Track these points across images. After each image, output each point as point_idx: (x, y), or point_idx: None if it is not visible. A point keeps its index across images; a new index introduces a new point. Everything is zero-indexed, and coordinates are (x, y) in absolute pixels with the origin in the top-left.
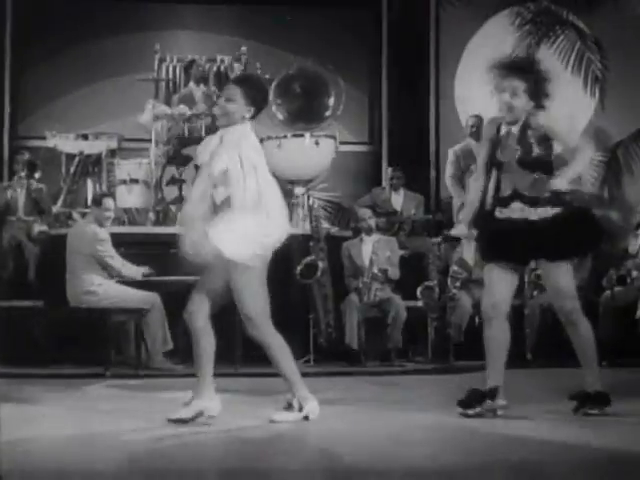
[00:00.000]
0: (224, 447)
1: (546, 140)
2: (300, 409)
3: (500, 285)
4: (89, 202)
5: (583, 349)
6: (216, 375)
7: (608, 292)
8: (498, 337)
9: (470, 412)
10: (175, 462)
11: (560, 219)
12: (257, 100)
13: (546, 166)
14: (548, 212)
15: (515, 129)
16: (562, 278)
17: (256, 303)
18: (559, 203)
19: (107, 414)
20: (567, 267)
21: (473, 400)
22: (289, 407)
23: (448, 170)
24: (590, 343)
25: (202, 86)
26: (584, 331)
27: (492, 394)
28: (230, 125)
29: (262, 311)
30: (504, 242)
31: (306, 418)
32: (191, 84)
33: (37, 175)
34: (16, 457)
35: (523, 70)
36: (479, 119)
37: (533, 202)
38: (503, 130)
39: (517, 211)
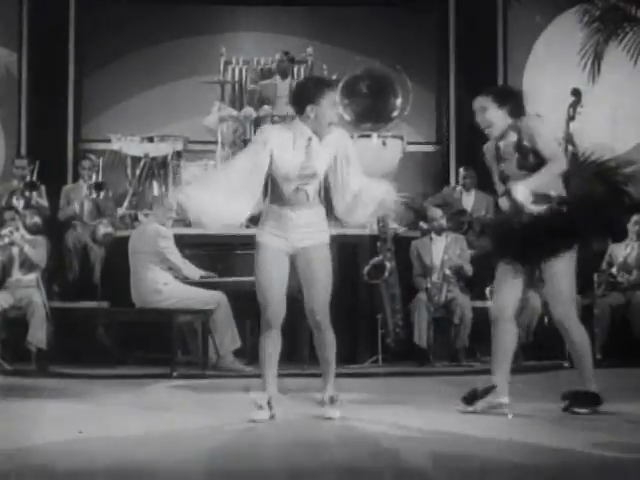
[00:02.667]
0: (291, 447)
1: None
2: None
3: (506, 287)
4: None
5: (577, 355)
6: (284, 375)
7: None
8: (503, 338)
9: (469, 408)
10: (244, 462)
11: (544, 219)
12: None
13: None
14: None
15: (512, 140)
16: (557, 281)
17: None
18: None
19: (173, 414)
20: (564, 270)
21: (474, 397)
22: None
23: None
24: (584, 350)
25: (289, 79)
26: (578, 338)
27: (486, 392)
28: None
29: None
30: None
31: (272, 417)
32: (277, 76)
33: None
34: (83, 456)
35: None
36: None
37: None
38: (502, 145)
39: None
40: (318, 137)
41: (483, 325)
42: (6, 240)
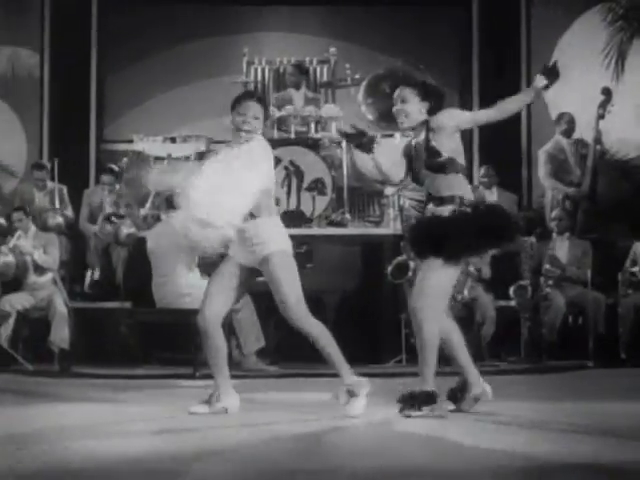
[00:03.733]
0: (340, 447)
1: (447, 142)
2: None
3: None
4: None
5: (422, 352)
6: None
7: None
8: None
9: (413, 414)
10: (278, 462)
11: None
12: None
13: (448, 166)
14: (444, 211)
15: (422, 138)
16: (430, 273)
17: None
18: (453, 203)
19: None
20: (441, 265)
21: (454, 396)
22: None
23: (542, 171)
24: (430, 347)
25: (302, 89)
26: (426, 334)
27: (463, 389)
28: None
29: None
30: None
31: (225, 410)
32: (291, 89)
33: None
34: (106, 456)
35: (412, 79)
36: (569, 116)
37: (438, 202)
38: (414, 143)
39: (429, 212)
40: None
41: (507, 324)
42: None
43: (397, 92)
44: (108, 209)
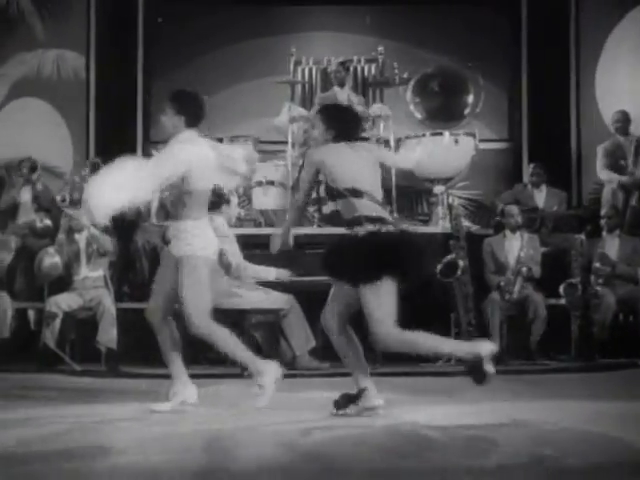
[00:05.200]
0: (368, 446)
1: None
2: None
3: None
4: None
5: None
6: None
7: None
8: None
9: (340, 412)
10: (321, 462)
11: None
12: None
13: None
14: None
15: None
16: (370, 302)
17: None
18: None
19: (246, 412)
20: (374, 291)
21: (347, 402)
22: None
23: (599, 165)
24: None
25: (347, 88)
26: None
27: (358, 396)
28: None
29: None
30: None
31: (183, 403)
32: (335, 87)
33: None
34: (155, 456)
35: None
36: (623, 114)
37: (348, 223)
38: None
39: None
40: None
41: (557, 323)
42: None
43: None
44: (155, 211)
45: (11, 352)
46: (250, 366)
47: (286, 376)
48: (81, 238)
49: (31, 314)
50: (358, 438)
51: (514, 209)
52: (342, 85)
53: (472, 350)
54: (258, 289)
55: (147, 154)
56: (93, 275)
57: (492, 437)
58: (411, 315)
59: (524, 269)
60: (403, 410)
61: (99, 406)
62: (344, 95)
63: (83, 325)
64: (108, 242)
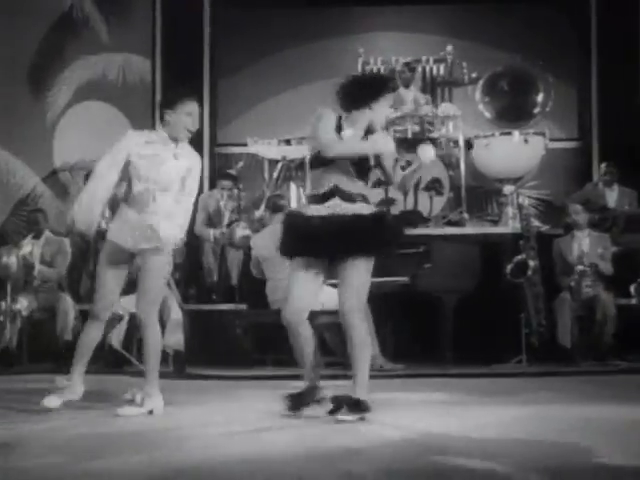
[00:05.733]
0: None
1: None
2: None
3: (304, 289)
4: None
5: (355, 357)
6: (427, 376)
7: None
8: (307, 341)
9: (294, 412)
10: (407, 462)
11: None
12: None
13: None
14: (358, 209)
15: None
16: (356, 276)
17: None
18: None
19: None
20: (366, 267)
21: (298, 403)
22: (132, 402)
23: None
24: (364, 349)
25: (412, 89)
26: (357, 337)
27: (311, 396)
28: None
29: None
30: (314, 237)
31: (150, 412)
32: (401, 88)
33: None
34: (225, 457)
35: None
36: None
37: (349, 199)
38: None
39: (333, 207)
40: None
41: (628, 323)
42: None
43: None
44: (228, 215)
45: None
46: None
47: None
48: None
49: None
50: (422, 440)
51: (578, 208)
52: (407, 86)
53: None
54: (327, 289)
55: (214, 156)
56: None
57: (558, 439)
58: (481, 316)
59: (590, 268)
60: (470, 411)
61: (166, 408)
62: (410, 95)
63: None
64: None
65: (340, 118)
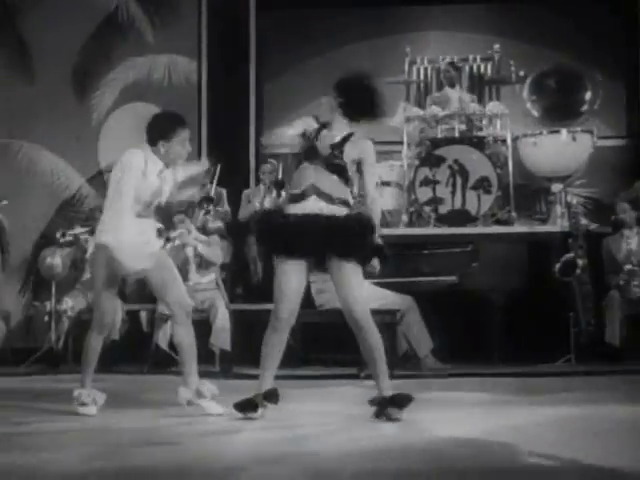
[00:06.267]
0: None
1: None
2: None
3: (293, 290)
4: None
5: (373, 358)
6: (474, 375)
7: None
8: (281, 344)
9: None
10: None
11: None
12: None
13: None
14: (342, 211)
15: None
16: (353, 278)
17: None
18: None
19: (363, 413)
20: (354, 268)
21: (255, 405)
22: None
23: None
24: (379, 352)
25: (458, 88)
26: (373, 340)
27: (270, 397)
28: None
29: None
30: (297, 237)
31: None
32: (447, 87)
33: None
34: (274, 454)
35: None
36: None
37: (330, 199)
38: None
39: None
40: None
41: None
42: (177, 242)
43: None
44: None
45: (122, 354)
46: None
47: (409, 377)
48: (189, 248)
49: (143, 316)
50: (470, 439)
51: (626, 206)
52: (452, 85)
53: None
54: (377, 289)
55: (259, 157)
56: (203, 280)
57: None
58: (529, 315)
59: (638, 267)
60: (517, 411)
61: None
62: (455, 95)
63: (196, 327)
64: (214, 253)
65: None
